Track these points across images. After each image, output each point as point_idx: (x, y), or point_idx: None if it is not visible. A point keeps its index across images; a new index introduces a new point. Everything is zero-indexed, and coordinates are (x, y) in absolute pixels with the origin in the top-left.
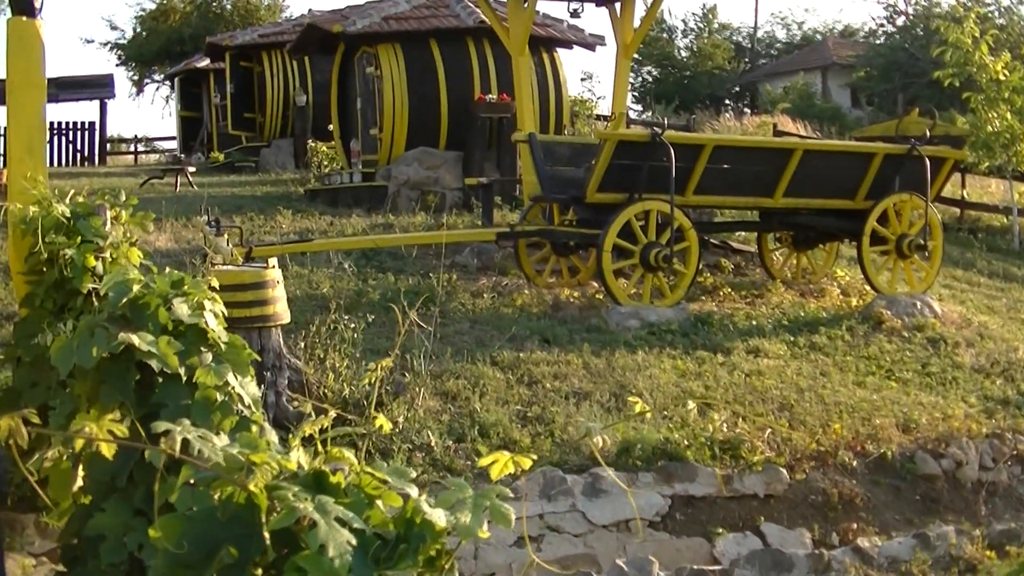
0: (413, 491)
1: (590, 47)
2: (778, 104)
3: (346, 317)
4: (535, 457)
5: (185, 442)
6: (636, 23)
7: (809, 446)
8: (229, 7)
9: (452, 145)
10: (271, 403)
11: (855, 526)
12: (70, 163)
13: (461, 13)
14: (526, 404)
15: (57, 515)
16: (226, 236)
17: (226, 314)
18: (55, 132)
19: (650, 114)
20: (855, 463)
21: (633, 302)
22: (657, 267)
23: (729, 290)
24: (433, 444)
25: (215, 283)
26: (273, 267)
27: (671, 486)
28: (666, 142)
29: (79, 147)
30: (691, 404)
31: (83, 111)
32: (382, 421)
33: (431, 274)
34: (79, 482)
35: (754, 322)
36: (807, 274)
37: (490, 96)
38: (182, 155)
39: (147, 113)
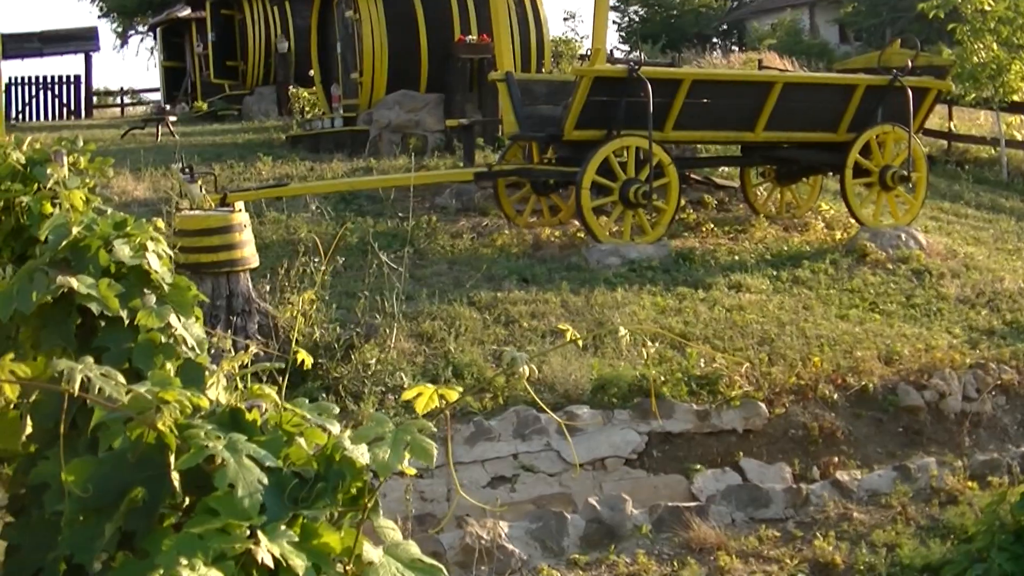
0: (335, 428)
1: None
2: (764, 41)
3: (315, 260)
4: (460, 390)
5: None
6: None
7: (789, 380)
8: None
9: (433, 88)
10: (240, 348)
11: (836, 460)
12: (57, 117)
13: None
14: (502, 343)
15: (11, 466)
16: (200, 183)
17: (171, 255)
18: (40, 86)
19: (637, 53)
20: (836, 396)
21: (613, 240)
22: (637, 204)
23: (712, 226)
24: (406, 386)
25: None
26: (240, 211)
27: (647, 423)
28: (643, 77)
29: (64, 101)
30: (622, 331)
31: (68, 64)
32: (303, 356)
33: (410, 217)
34: (28, 430)
35: (736, 257)
36: (791, 208)
37: (470, 37)
38: (167, 106)
39: (132, 65)
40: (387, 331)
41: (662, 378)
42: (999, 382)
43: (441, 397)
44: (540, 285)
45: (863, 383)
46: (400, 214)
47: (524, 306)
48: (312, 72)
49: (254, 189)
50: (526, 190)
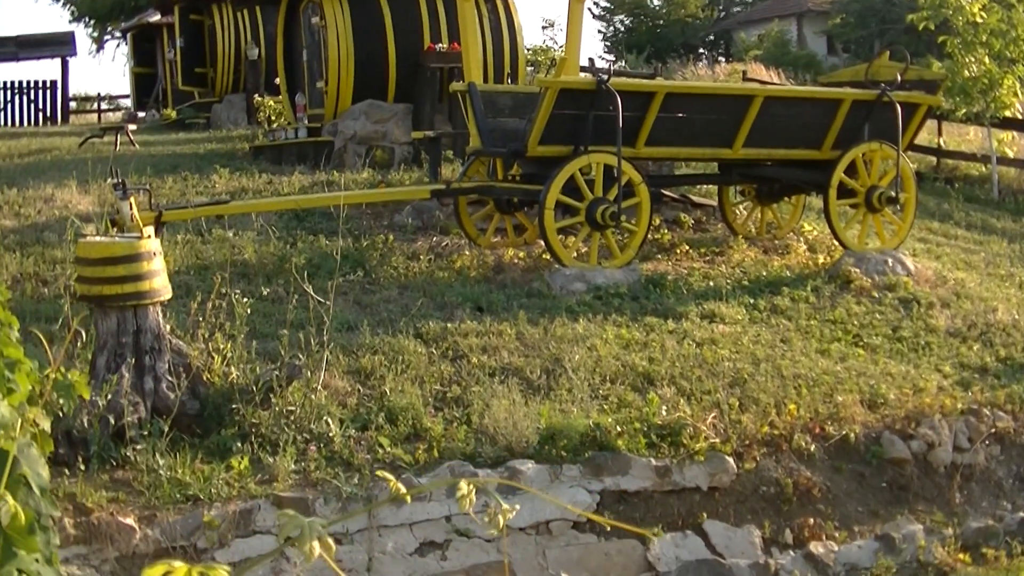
0: None
1: None
2: (750, 52)
3: (237, 291)
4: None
5: None
6: None
7: (761, 429)
8: None
9: (401, 97)
10: (149, 390)
11: (812, 521)
12: (33, 123)
13: None
14: (447, 383)
15: None
16: (132, 200)
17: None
18: (16, 91)
19: (621, 64)
20: (813, 448)
21: (579, 263)
22: (604, 225)
23: (687, 248)
24: (332, 434)
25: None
26: (148, 237)
27: (600, 480)
28: (612, 89)
29: (41, 106)
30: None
31: (45, 70)
32: None
33: (365, 236)
34: None
35: (711, 283)
36: (772, 229)
37: (440, 45)
38: (140, 113)
39: (109, 70)
40: (312, 371)
41: (618, 428)
42: (993, 430)
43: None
44: (496, 314)
45: (844, 432)
46: (355, 232)
47: (476, 339)
48: (278, 80)
49: (193, 207)
50: (490, 208)
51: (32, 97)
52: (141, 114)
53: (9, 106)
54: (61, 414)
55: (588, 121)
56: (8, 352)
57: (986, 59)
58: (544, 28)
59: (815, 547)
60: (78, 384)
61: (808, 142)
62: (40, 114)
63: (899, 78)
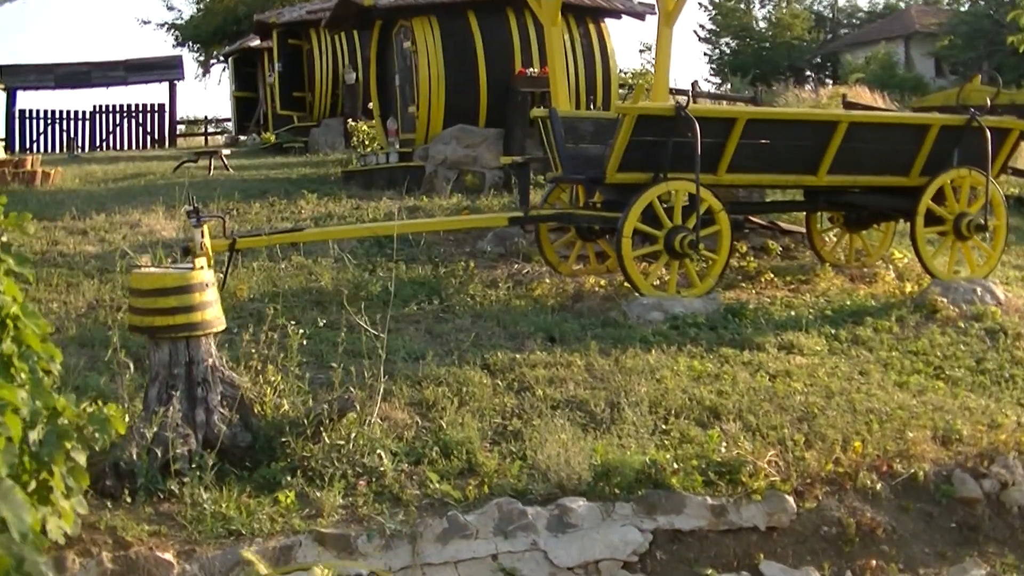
0: None
1: (639, 16)
2: (854, 75)
3: (292, 322)
4: None
5: None
6: None
7: (825, 467)
8: None
9: (492, 122)
10: (200, 422)
11: (874, 563)
12: (141, 146)
13: None
14: (508, 416)
15: None
16: (205, 228)
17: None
18: (125, 115)
19: (727, 87)
20: (879, 486)
21: (658, 292)
22: (683, 253)
23: (772, 276)
24: (384, 468)
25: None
26: (201, 268)
27: (653, 518)
28: (691, 116)
29: (148, 129)
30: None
31: (153, 93)
32: None
33: (446, 263)
34: None
35: (793, 312)
36: (861, 256)
37: (531, 70)
38: (242, 137)
39: (214, 94)
40: (367, 403)
41: (675, 465)
42: None
43: None
44: (568, 344)
45: (912, 470)
46: (436, 259)
47: (543, 370)
48: (371, 105)
49: (267, 234)
50: (571, 235)
51: (140, 120)
52: (242, 137)
53: (118, 129)
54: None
55: (667, 148)
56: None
57: None
58: (641, 52)
59: None
60: (114, 419)
61: (895, 168)
62: (148, 137)
63: (988, 103)
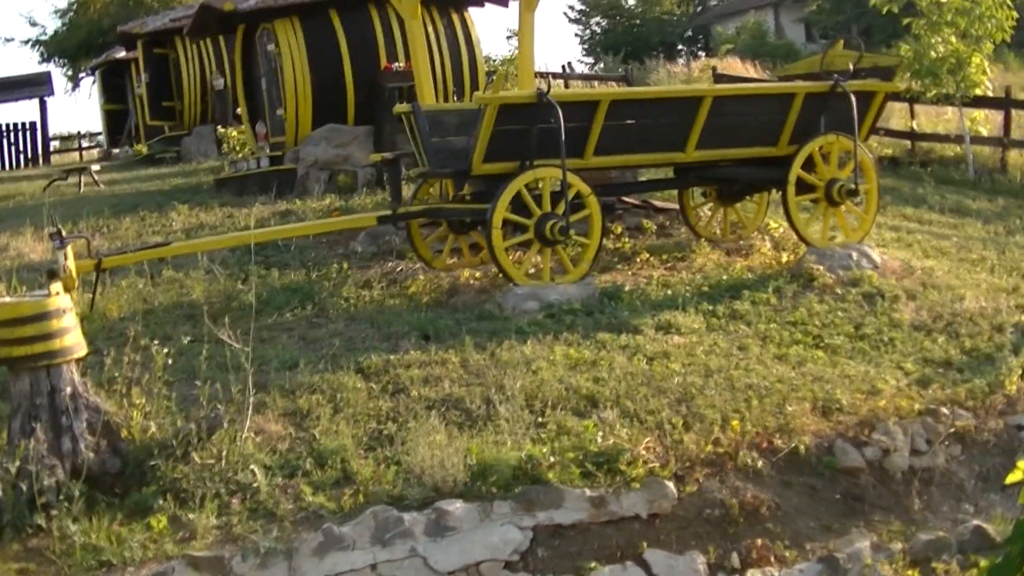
0: None
1: (502, 3)
2: (724, 46)
3: (158, 342)
4: None
5: None
6: None
7: (704, 448)
8: None
9: (362, 120)
10: (67, 452)
11: (760, 542)
12: (15, 166)
13: None
14: (383, 420)
15: None
16: (68, 249)
17: None
18: None
19: (600, 66)
20: (760, 463)
21: (532, 281)
22: (554, 240)
23: (648, 255)
24: (258, 484)
25: None
26: (57, 294)
27: (533, 515)
28: (553, 101)
29: (21, 148)
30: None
31: (23, 111)
32: None
33: (318, 266)
34: None
35: (669, 291)
36: (737, 229)
37: (397, 64)
38: (115, 150)
39: (86, 108)
40: (237, 418)
41: (551, 459)
42: (952, 429)
43: None
44: (442, 342)
45: (793, 444)
46: (309, 263)
47: (418, 370)
48: (240, 110)
49: (133, 250)
50: (444, 230)
51: (12, 140)
52: (115, 151)
53: None
54: None
55: (532, 135)
56: None
57: (952, 38)
58: (508, 38)
59: (753, 575)
60: None
61: (763, 139)
62: (21, 156)
63: (851, 67)
